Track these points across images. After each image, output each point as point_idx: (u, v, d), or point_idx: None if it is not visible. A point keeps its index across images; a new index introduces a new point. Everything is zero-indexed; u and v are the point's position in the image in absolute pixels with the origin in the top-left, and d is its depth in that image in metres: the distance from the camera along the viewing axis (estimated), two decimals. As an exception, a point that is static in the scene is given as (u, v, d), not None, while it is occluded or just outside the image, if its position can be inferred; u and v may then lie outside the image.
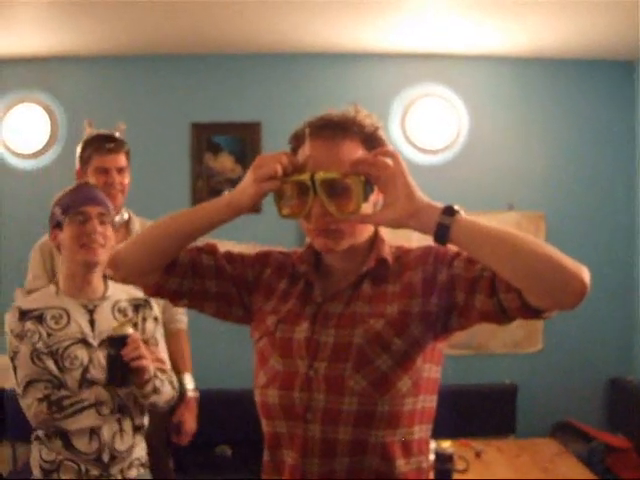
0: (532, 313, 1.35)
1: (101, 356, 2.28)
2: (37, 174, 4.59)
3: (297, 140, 1.54)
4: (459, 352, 4.49)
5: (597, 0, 3.65)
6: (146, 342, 2.36)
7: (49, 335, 2.27)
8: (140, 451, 2.39)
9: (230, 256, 1.66)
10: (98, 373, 2.27)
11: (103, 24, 4.07)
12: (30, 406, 2.22)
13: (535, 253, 1.30)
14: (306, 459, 1.47)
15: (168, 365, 2.46)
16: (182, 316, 3.18)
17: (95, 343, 2.31)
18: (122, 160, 3.03)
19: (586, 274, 1.29)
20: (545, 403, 4.64)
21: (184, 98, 4.68)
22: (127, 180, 3.05)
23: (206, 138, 4.65)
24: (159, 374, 2.32)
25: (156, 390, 2.29)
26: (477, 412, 4.46)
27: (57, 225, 2.36)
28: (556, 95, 4.77)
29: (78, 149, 3.06)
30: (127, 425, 2.33)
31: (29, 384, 2.22)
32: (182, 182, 4.62)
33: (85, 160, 3.01)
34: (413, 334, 1.48)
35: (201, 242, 1.62)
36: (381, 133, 1.55)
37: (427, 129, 4.69)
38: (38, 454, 2.29)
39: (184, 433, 3.11)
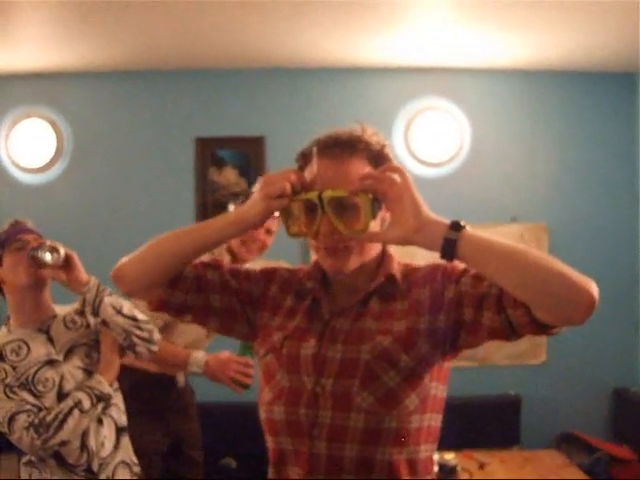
0: (541, 329, 1.34)
1: (71, 368, 2.35)
2: (42, 189, 4.63)
3: (304, 159, 1.53)
4: (463, 364, 4.50)
5: (598, 13, 3.67)
6: (96, 341, 2.45)
7: (14, 368, 2.30)
8: (124, 453, 2.43)
9: (236, 271, 1.64)
10: (72, 386, 2.33)
11: (108, 40, 4.11)
12: (20, 438, 2.24)
13: (543, 267, 1.29)
14: (312, 476, 1.46)
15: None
16: None
17: (60, 357, 2.37)
18: None
19: (594, 288, 1.28)
20: (549, 414, 4.63)
21: (188, 113, 4.71)
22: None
23: (210, 152, 4.67)
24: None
25: (105, 290, 2.35)
26: (481, 424, 4.46)
27: None
28: (558, 107, 4.79)
29: None
30: (110, 427, 2.39)
31: (12, 419, 2.25)
32: (186, 196, 4.64)
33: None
34: (420, 351, 1.46)
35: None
36: (388, 151, 1.53)
37: (430, 142, 4.70)
38: (28, 477, 2.31)
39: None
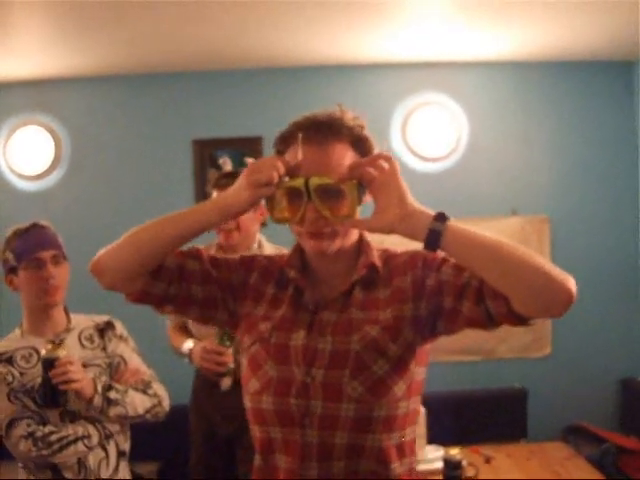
0: (518, 320, 1.38)
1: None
2: (41, 196, 4.64)
3: (285, 143, 1.54)
4: (468, 358, 4.49)
5: (594, 2, 3.66)
6: (109, 365, 2.42)
7: (22, 374, 2.31)
8: (124, 477, 2.42)
9: (215, 260, 1.63)
10: (77, 404, 2.30)
11: (103, 45, 4.10)
12: (15, 444, 2.24)
13: (524, 262, 1.33)
14: (303, 463, 1.48)
15: (147, 376, 2.48)
16: None
17: None
18: None
19: (572, 284, 1.33)
20: (556, 406, 4.63)
21: (185, 115, 4.71)
22: (248, 216, 2.92)
23: (208, 154, 4.68)
24: (118, 386, 2.35)
25: (112, 402, 2.30)
26: (487, 417, 4.45)
27: (11, 270, 2.38)
28: (556, 98, 4.78)
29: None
30: (112, 451, 2.37)
31: (11, 423, 2.26)
32: (185, 198, 4.63)
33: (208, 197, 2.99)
34: (407, 338, 1.50)
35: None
36: (367, 132, 1.56)
37: (428, 137, 4.70)
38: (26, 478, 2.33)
39: None
